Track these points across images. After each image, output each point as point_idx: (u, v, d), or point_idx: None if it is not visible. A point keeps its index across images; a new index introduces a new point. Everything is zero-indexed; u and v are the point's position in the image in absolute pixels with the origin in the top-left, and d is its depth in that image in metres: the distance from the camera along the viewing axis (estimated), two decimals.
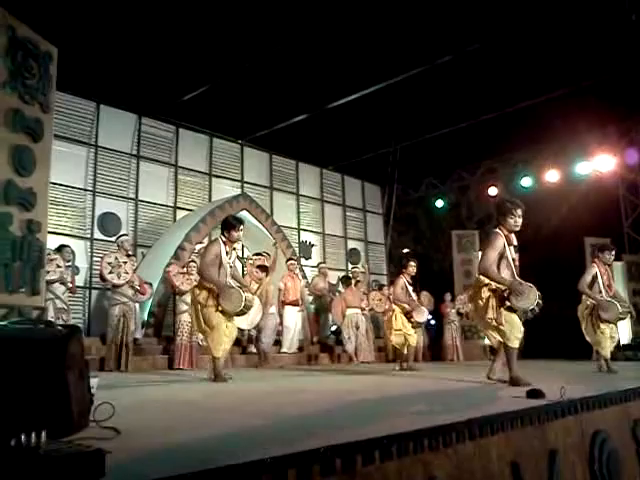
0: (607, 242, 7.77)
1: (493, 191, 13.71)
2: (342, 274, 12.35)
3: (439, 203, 14.78)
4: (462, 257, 13.36)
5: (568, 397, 3.18)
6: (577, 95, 9.92)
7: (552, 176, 12.71)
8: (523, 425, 2.77)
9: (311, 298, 11.44)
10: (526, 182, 13.12)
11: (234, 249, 5.79)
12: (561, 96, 10.02)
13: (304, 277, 11.34)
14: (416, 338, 7.96)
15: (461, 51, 8.99)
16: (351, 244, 14.44)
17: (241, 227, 5.73)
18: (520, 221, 4.88)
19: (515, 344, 4.74)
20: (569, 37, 8.54)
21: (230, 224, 5.68)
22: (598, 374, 6.68)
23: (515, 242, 4.90)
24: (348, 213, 14.61)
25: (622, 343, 11.79)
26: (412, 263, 7.76)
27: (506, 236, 4.84)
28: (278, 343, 9.94)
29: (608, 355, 7.01)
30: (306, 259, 12.98)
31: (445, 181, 14.80)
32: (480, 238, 13.50)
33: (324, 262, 12.12)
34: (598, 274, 7.21)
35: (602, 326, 7.07)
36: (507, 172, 13.66)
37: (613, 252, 7.33)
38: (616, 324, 7.21)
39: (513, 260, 4.84)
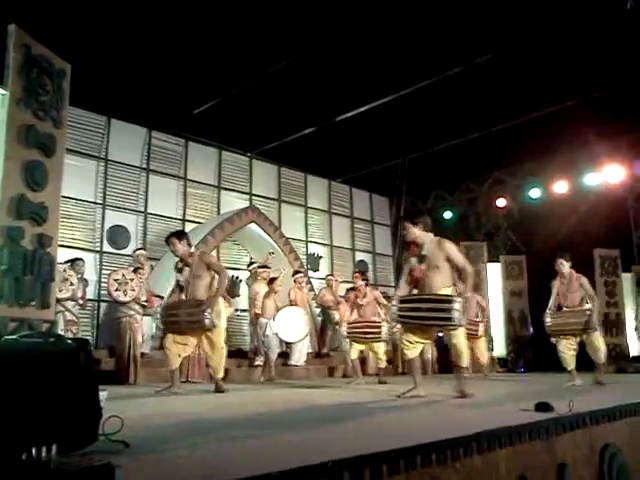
0: (616, 253, 7.74)
1: (501, 202, 13.68)
2: (350, 286, 12.34)
3: (447, 214, 14.75)
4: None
5: (576, 410, 3.17)
6: (586, 106, 9.91)
7: (561, 187, 12.67)
8: (531, 439, 2.77)
9: (319, 310, 11.44)
10: (535, 193, 13.09)
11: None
12: (570, 107, 10.02)
13: (311, 289, 11.34)
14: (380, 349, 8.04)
15: (470, 63, 9.02)
16: (359, 256, 14.43)
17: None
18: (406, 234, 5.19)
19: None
20: (579, 48, 8.55)
21: None
22: (603, 387, 6.60)
23: (422, 252, 5.08)
24: (356, 225, 14.62)
25: (632, 355, 11.72)
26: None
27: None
28: (286, 356, 9.93)
29: (568, 367, 7.09)
30: (314, 271, 12.99)
31: (453, 193, 14.79)
32: (488, 249, 13.48)
33: (331, 274, 12.12)
34: (555, 285, 7.31)
35: (552, 338, 7.30)
36: (516, 183, 13.63)
37: (561, 261, 7.29)
38: (573, 335, 7.10)
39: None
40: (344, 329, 8.81)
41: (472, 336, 9.70)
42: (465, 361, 5.02)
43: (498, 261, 13.52)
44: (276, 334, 8.78)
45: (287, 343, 9.43)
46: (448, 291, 4.93)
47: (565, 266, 7.23)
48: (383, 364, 8.20)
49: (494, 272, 13.41)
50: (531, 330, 13.01)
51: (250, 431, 2.96)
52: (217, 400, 5.21)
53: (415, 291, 5.22)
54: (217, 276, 5.88)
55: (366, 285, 8.31)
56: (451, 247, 5.03)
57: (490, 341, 12.71)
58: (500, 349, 12.99)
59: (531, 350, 12.78)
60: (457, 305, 4.69)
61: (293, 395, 5.66)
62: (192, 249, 5.99)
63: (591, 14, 7.86)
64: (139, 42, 8.11)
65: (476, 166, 13.10)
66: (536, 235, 13.08)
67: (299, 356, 9.88)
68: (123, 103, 9.88)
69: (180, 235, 5.98)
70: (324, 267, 13.31)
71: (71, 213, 9.65)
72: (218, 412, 4.11)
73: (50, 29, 5.93)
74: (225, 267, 11.16)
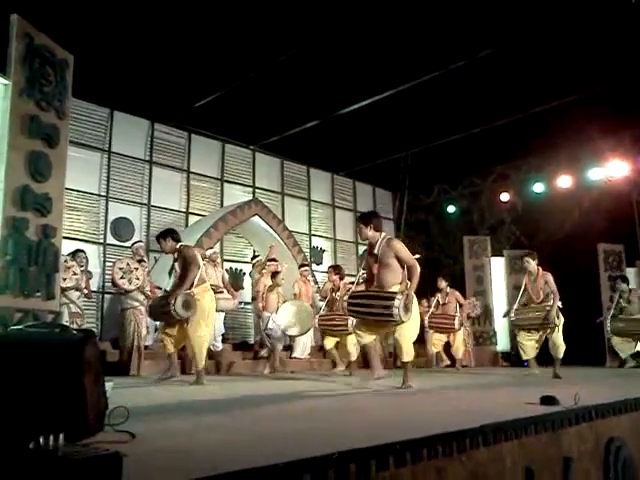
0: (620, 248, 7.89)
1: (505, 197, 13.66)
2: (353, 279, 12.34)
3: (451, 209, 14.73)
4: (474, 263, 13.30)
5: (582, 404, 3.16)
6: (590, 100, 9.86)
7: (565, 182, 12.63)
8: (537, 432, 2.76)
9: (322, 303, 11.43)
10: (538, 188, 13.06)
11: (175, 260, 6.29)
12: (574, 102, 9.96)
13: (315, 282, 11.35)
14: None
15: (473, 57, 8.96)
16: (362, 249, 14.40)
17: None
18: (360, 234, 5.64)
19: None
20: (582, 42, 8.50)
21: None
22: (612, 379, 6.62)
23: (373, 251, 5.41)
24: None
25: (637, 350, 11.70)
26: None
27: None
28: (290, 348, 9.95)
29: (527, 357, 7.66)
30: (317, 264, 12.98)
31: (457, 187, 14.75)
32: (492, 244, 13.46)
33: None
34: (523, 282, 7.75)
35: (516, 331, 7.89)
36: (519, 178, 13.59)
37: (527, 259, 7.70)
38: (535, 330, 7.53)
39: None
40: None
41: (448, 329, 9.99)
42: (407, 357, 5.26)
43: (502, 255, 13.49)
44: (279, 327, 8.79)
45: (291, 336, 9.43)
46: (396, 288, 5.17)
47: (531, 264, 7.62)
48: (353, 357, 8.28)
49: (498, 267, 13.39)
50: None
51: (257, 422, 2.96)
52: (223, 391, 5.22)
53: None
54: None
55: (340, 279, 8.71)
56: (399, 246, 5.34)
57: (494, 336, 12.73)
58: (504, 344, 12.98)
59: None
60: (397, 302, 4.91)
61: (297, 387, 5.66)
62: (177, 245, 6.19)
63: (594, 8, 7.81)
64: (142, 35, 8.08)
65: (480, 160, 13.06)
66: (540, 230, 13.05)
67: (303, 349, 9.90)
68: (126, 95, 9.85)
69: (164, 234, 6.27)
70: (327, 260, 13.31)
71: (75, 205, 9.65)
72: (224, 403, 4.11)
73: (52, 20, 5.89)
74: (228, 260, 11.31)
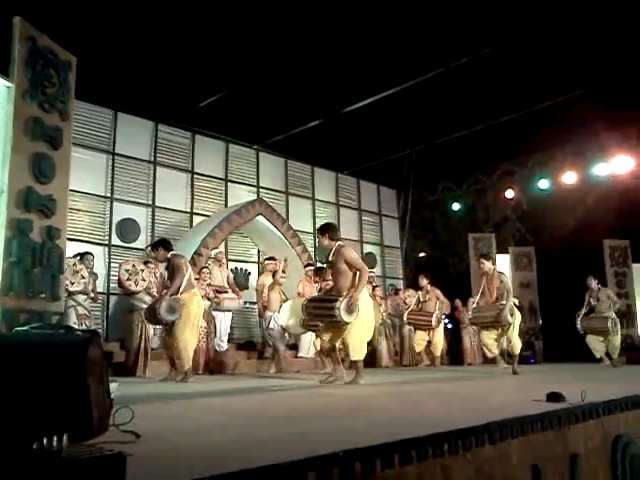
0: (626, 244, 7.92)
1: (510, 194, 13.62)
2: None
3: (455, 206, 14.69)
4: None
5: (589, 400, 3.15)
6: (595, 96, 9.81)
7: (570, 178, 12.60)
8: (543, 429, 2.74)
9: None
10: (543, 184, 13.02)
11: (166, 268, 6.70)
12: (579, 97, 9.92)
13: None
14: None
15: (477, 53, 8.94)
16: (367, 248, 14.41)
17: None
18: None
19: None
20: (587, 37, 8.47)
21: None
22: (619, 375, 6.60)
23: (329, 259, 5.91)
24: (364, 217, 14.59)
25: None
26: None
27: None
28: (295, 347, 9.96)
29: (490, 354, 7.91)
30: (322, 263, 12.95)
31: (461, 184, 14.71)
32: (497, 241, 13.43)
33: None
34: (482, 283, 7.96)
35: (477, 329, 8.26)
36: (524, 174, 13.55)
37: (482, 260, 7.96)
38: (492, 328, 7.74)
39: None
40: None
41: (426, 327, 10.15)
42: (356, 356, 5.68)
43: (507, 252, 13.46)
44: (281, 326, 8.78)
45: (292, 335, 9.42)
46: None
47: (486, 265, 7.85)
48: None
49: (503, 264, 13.36)
50: (540, 321, 12.98)
51: (260, 422, 2.95)
52: (226, 392, 5.22)
53: None
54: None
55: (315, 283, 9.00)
56: (347, 252, 5.76)
57: None
58: None
59: (541, 341, 12.75)
60: (337, 304, 5.40)
61: (301, 386, 5.66)
62: (169, 254, 6.60)
63: (598, 2, 7.78)
64: (144, 36, 8.09)
65: (484, 157, 13.03)
66: (545, 226, 13.02)
67: (308, 347, 9.89)
68: (129, 97, 9.87)
69: (157, 244, 6.82)
70: None
71: (80, 207, 9.67)
72: (228, 403, 4.11)
73: (55, 22, 5.90)
74: (233, 260, 11.31)
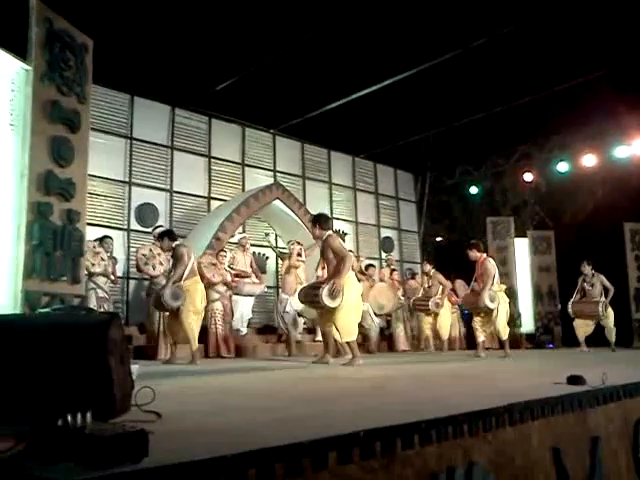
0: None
1: (529, 177, 13.48)
2: (376, 262, 12.34)
3: (473, 190, 14.57)
4: (497, 244, 13.19)
5: (610, 383, 3.12)
6: (615, 77, 9.64)
7: (589, 160, 12.42)
8: (564, 411, 2.73)
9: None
10: (562, 167, 12.85)
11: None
12: (599, 78, 9.74)
13: None
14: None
15: (495, 34, 8.80)
16: (384, 232, 14.37)
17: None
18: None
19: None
20: (607, 18, 8.30)
21: None
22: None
23: (320, 248, 6.31)
24: (381, 201, 14.53)
25: None
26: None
27: None
28: (313, 332, 9.99)
29: (478, 339, 8.08)
30: None
31: (479, 167, 14.57)
32: (515, 225, 13.31)
33: (350, 250, 11.97)
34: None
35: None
36: (543, 157, 13.39)
37: (467, 251, 8.13)
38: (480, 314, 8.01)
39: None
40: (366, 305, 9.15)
41: (425, 311, 10.42)
42: (345, 337, 6.06)
43: (525, 236, 13.35)
44: (294, 310, 8.82)
45: (311, 319, 9.46)
46: None
47: (469, 254, 8.08)
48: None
49: (522, 247, 13.26)
50: (559, 306, 12.88)
51: (279, 402, 2.97)
52: (245, 374, 5.26)
53: None
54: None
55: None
56: (331, 241, 6.08)
57: (518, 317, 12.63)
58: (528, 325, 12.88)
59: (560, 326, 12.66)
60: (320, 290, 5.76)
61: (315, 370, 5.69)
62: (173, 244, 6.87)
63: None
64: (161, 20, 8.08)
65: (502, 140, 12.89)
66: (564, 209, 12.88)
67: None
68: (146, 81, 9.88)
69: (162, 235, 7.21)
70: (349, 244, 13.27)
71: (99, 191, 9.73)
72: (247, 385, 4.14)
73: (71, 4, 5.89)
74: (251, 244, 11.35)
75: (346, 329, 6.02)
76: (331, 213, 13.28)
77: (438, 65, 9.56)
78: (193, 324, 6.70)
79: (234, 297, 9.09)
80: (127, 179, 10.25)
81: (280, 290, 9.69)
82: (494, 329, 7.90)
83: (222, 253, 9.03)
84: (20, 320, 2.62)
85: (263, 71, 9.60)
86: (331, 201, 13.40)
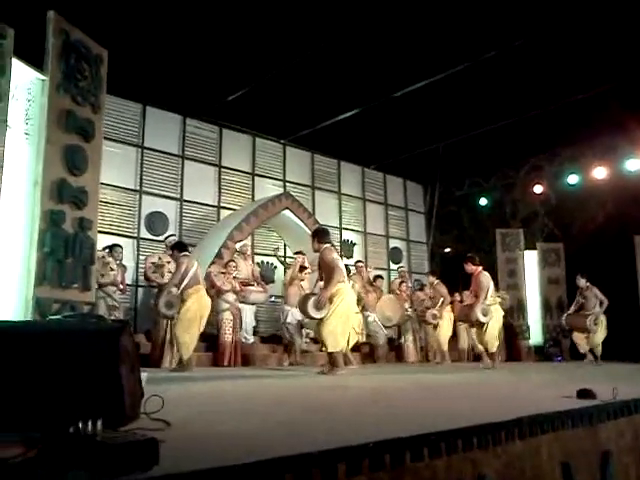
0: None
1: (538, 189, 13.42)
2: (384, 273, 12.32)
3: (483, 201, 14.52)
4: (506, 256, 13.13)
5: (620, 398, 3.10)
6: (626, 89, 9.62)
7: (600, 173, 12.36)
8: (574, 425, 2.71)
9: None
10: (573, 179, 12.79)
11: None
12: (609, 90, 9.72)
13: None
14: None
15: (506, 46, 8.81)
16: (393, 243, 14.36)
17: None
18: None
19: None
20: (618, 31, 8.30)
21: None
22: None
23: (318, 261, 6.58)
24: (390, 212, 14.54)
25: None
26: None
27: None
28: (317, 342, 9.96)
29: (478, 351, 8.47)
30: (347, 258, 12.95)
31: (489, 179, 14.55)
32: (525, 237, 13.26)
33: (361, 260, 11.98)
34: None
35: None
36: (553, 169, 13.35)
37: (464, 264, 8.25)
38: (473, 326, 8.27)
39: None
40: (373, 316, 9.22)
41: (424, 321, 10.66)
42: (330, 348, 6.16)
43: (535, 248, 13.29)
44: (298, 320, 8.82)
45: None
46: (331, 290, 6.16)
47: (465, 268, 8.20)
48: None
49: (531, 260, 13.20)
50: None
51: (289, 412, 2.97)
52: (252, 382, 5.26)
53: None
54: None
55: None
56: (325, 254, 6.31)
57: (527, 330, 12.56)
58: (537, 337, 12.79)
59: (569, 339, 12.55)
60: (306, 301, 6.09)
61: (322, 380, 5.68)
62: (181, 255, 7.16)
63: None
64: (173, 31, 8.15)
65: (512, 152, 12.86)
66: (574, 222, 12.82)
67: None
68: (158, 91, 9.97)
69: (172, 247, 7.70)
70: (358, 254, 13.27)
71: (110, 199, 9.80)
72: (255, 393, 4.14)
73: (87, 16, 5.97)
74: (259, 253, 11.36)
75: (329, 340, 6.14)
76: (340, 223, 13.31)
77: (449, 77, 9.57)
78: (186, 333, 6.82)
79: (240, 305, 9.10)
80: (138, 187, 10.32)
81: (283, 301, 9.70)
82: (483, 340, 7.99)
83: (231, 263, 9.06)
84: (32, 327, 2.64)
85: (274, 82, 9.65)
86: (340, 211, 13.41)
